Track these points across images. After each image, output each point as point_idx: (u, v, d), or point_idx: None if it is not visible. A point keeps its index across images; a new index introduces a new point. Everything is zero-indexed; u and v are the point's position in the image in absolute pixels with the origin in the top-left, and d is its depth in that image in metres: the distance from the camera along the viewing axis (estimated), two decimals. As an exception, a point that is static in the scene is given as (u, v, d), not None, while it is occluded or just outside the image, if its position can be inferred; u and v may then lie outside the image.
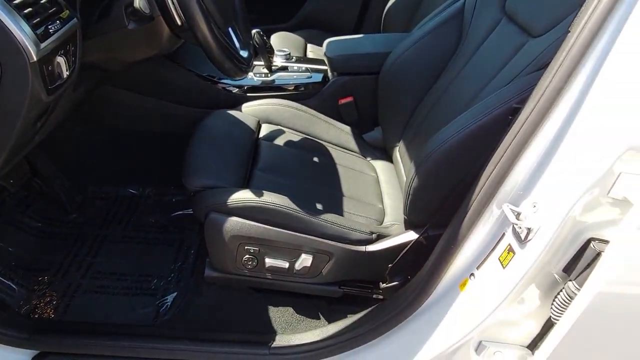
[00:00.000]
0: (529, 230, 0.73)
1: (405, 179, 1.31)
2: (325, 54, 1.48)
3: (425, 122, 1.27)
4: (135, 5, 0.88)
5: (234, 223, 1.03)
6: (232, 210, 1.03)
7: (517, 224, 0.73)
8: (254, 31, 1.46)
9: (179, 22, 0.91)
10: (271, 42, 2.00)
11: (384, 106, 1.41)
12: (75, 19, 0.85)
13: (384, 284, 1.10)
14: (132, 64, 1.07)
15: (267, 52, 1.49)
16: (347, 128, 1.49)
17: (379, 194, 1.31)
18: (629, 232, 0.67)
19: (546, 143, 0.72)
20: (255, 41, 1.46)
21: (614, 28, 0.63)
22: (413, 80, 1.33)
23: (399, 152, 1.38)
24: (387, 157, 1.46)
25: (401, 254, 1.05)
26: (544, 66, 0.82)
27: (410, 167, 1.00)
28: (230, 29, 1.12)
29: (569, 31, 0.68)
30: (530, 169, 0.74)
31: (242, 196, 1.04)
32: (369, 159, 1.46)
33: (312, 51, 2.05)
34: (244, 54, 1.11)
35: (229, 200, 1.03)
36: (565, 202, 0.70)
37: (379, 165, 1.43)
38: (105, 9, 0.96)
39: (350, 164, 1.38)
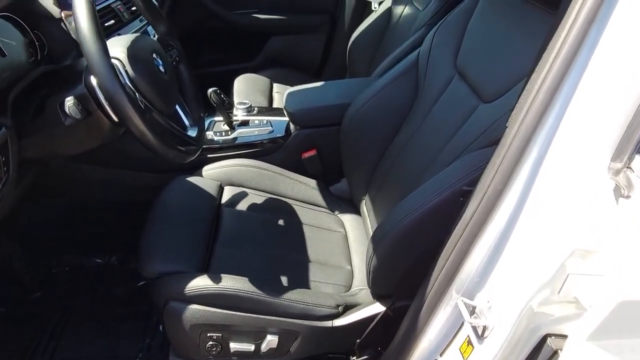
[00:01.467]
0: (484, 327, 0.70)
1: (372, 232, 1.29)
2: (285, 109, 1.45)
3: (388, 177, 1.25)
4: (65, 109, 0.85)
5: (194, 311, 0.99)
6: (191, 299, 0.99)
7: (471, 323, 0.71)
8: (210, 90, 1.43)
9: (115, 118, 0.87)
10: (235, 85, 1.99)
11: (347, 159, 1.39)
12: (3, 128, 0.82)
13: (355, 358, 1.07)
14: (76, 156, 1.04)
15: (226, 109, 1.46)
16: (313, 182, 1.46)
17: (347, 253, 1.28)
18: (585, 331, 0.64)
19: (495, 237, 0.69)
20: (213, 100, 1.43)
21: (557, 110, 0.61)
22: (374, 133, 1.31)
23: (366, 206, 1.36)
24: (355, 209, 1.43)
25: (369, 329, 1.02)
26: (495, 142, 0.80)
27: (369, 245, 0.97)
28: (177, 107, 1.08)
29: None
30: (482, 260, 0.72)
31: (201, 283, 1.00)
32: (336, 212, 1.43)
33: (279, 91, 2.02)
34: (193, 132, 1.08)
35: (187, 289, 0.99)
36: (518, 301, 0.67)
37: (347, 219, 1.40)
38: (39, 106, 0.93)
39: (317, 222, 1.35)
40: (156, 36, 1.10)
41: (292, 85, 2.11)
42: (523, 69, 0.88)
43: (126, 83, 0.87)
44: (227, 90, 2.01)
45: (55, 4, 1.14)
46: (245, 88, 1.95)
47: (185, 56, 1.17)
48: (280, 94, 2.01)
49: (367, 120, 1.31)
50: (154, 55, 0.97)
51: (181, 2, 2.08)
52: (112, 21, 1.26)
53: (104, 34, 0.81)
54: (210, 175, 1.37)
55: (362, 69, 2.03)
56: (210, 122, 1.54)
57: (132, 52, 0.91)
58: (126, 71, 0.89)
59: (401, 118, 1.27)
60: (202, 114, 1.17)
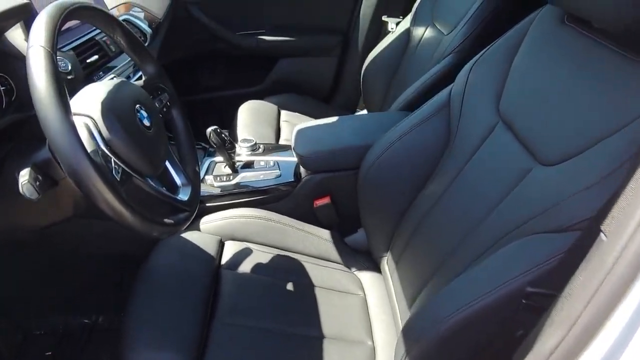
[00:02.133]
0: None
1: (395, 299, 1.11)
2: (294, 151, 1.28)
3: (416, 237, 1.07)
4: (20, 190, 0.68)
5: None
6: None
7: None
8: (209, 130, 1.26)
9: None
10: (239, 115, 1.82)
11: (367, 210, 1.21)
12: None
13: None
14: (46, 227, 0.87)
15: (227, 149, 1.29)
16: (326, 233, 1.28)
17: (367, 323, 1.10)
18: None
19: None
20: (213, 141, 1.26)
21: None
22: (398, 182, 1.13)
23: (388, 264, 1.18)
24: (375, 265, 1.25)
25: None
26: (570, 228, 0.62)
27: (400, 341, 0.79)
28: (167, 162, 0.91)
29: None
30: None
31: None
32: (353, 269, 1.25)
33: (287, 120, 1.85)
34: (185, 194, 0.91)
35: (176, 389, 0.82)
36: None
37: (366, 278, 1.22)
38: (-2, 168, 0.76)
39: (331, 283, 1.17)
40: (143, 78, 0.93)
41: (301, 112, 1.95)
42: (596, 128, 0.70)
43: (99, 147, 0.70)
44: (231, 118, 1.84)
45: (27, 38, 0.98)
46: (250, 118, 1.78)
47: (178, 100, 1.00)
48: (289, 122, 1.84)
49: (390, 168, 1.13)
50: (137, 107, 0.80)
51: (180, 22, 1.92)
52: (96, 56, 1.10)
53: (64, 85, 0.64)
54: (208, 229, 1.19)
55: (377, 95, 1.86)
56: (209, 164, 1.37)
57: (108, 106, 0.74)
58: (99, 132, 0.72)
59: (430, 167, 1.08)
60: (197, 169, 0.99)
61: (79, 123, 0.71)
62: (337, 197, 1.29)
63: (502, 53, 0.97)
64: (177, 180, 0.92)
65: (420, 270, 1.02)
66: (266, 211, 1.25)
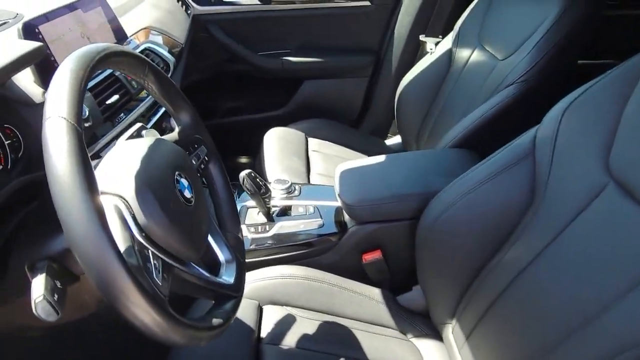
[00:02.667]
0: None
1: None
2: (339, 197, 1.11)
3: (498, 310, 0.90)
4: (34, 311, 0.51)
5: None
6: None
7: None
8: (243, 174, 1.10)
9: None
10: (265, 145, 1.66)
11: (427, 270, 1.04)
12: None
13: None
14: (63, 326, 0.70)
15: (262, 194, 1.13)
16: (377, 292, 1.12)
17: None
18: None
19: None
20: (246, 187, 1.10)
21: None
22: (468, 242, 0.96)
23: (454, 335, 1.01)
24: (433, 330, 1.09)
25: None
26: None
27: None
28: (209, 237, 0.75)
29: None
30: None
31: None
32: (409, 336, 1.08)
33: (317, 150, 1.69)
34: (229, 276, 0.74)
35: None
36: None
37: (425, 346, 1.05)
38: (1, 256, 0.60)
39: (386, 355, 1.00)
40: (176, 128, 0.77)
41: (329, 139, 1.79)
42: None
43: (134, 240, 0.54)
44: (253, 143, 1.69)
45: (38, 81, 0.82)
46: (278, 148, 1.62)
47: (216, 152, 0.84)
48: (318, 152, 1.68)
49: (459, 224, 0.96)
50: (177, 175, 0.63)
51: (199, 42, 1.77)
52: (116, 96, 0.94)
53: (91, 169, 0.48)
54: (245, 292, 1.03)
55: (413, 121, 1.69)
56: (240, 209, 1.21)
57: (143, 179, 0.58)
58: (134, 216, 0.55)
59: (509, 226, 0.92)
60: (240, 236, 0.83)
61: (108, 205, 0.55)
62: (388, 251, 1.12)
63: (610, 95, 0.80)
64: (220, 255, 0.75)
65: (500, 353, 0.86)
66: (308, 269, 1.08)
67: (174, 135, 0.75)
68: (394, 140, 1.92)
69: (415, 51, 1.82)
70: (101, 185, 0.56)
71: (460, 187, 0.96)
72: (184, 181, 0.64)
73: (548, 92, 1.29)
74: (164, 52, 1.16)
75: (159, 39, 1.22)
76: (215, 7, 1.71)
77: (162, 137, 0.72)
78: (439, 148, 1.44)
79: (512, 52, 1.30)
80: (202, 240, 0.67)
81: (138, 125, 0.79)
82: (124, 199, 0.56)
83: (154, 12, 1.31)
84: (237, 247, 0.80)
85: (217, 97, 1.95)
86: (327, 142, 1.76)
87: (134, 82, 1.00)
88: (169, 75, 1.18)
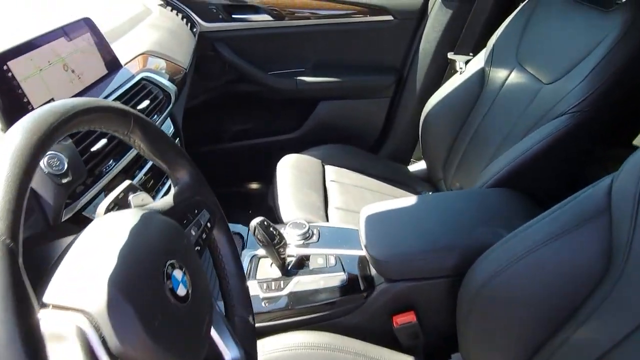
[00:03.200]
0: None
1: None
2: (366, 250, 0.95)
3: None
4: None
5: None
6: None
7: None
8: (254, 223, 0.94)
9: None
10: (278, 175, 1.51)
11: (472, 340, 0.88)
12: None
13: None
14: None
15: (275, 244, 0.97)
16: (410, 361, 0.95)
17: None
18: None
19: None
20: (258, 238, 0.95)
21: None
22: (524, 315, 0.79)
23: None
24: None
25: None
26: None
27: None
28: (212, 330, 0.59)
29: None
30: None
31: None
32: (450, 415, 0.92)
33: (335, 179, 1.53)
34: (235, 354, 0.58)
35: None
36: None
37: None
38: None
39: None
40: (172, 190, 0.62)
41: (347, 166, 1.63)
42: None
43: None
44: (264, 170, 1.54)
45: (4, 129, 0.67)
46: (292, 178, 1.47)
47: (222, 215, 0.68)
48: (337, 183, 1.52)
49: (512, 292, 0.79)
50: (168, 266, 0.48)
51: (205, 61, 1.63)
52: (104, 140, 0.79)
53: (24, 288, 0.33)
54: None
55: (441, 147, 1.53)
56: (250, 259, 1.06)
57: (121, 286, 0.42)
58: (104, 341, 0.40)
59: (576, 301, 0.75)
60: (251, 319, 0.67)
61: (66, 328, 0.39)
62: (423, 313, 0.96)
63: None
64: (226, 353, 0.60)
65: None
66: (331, 335, 0.92)
67: (168, 201, 0.60)
68: (417, 166, 1.76)
69: (442, 70, 1.66)
70: (60, 296, 0.41)
71: (516, 246, 0.80)
72: (177, 273, 0.49)
73: (607, 124, 1.12)
74: (164, 81, 1.02)
75: (159, 65, 1.08)
76: (223, 24, 1.57)
77: (154, 205, 0.57)
78: (476, 183, 1.28)
79: (561, 75, 1.14)
80: (200, 347, 0.51)
81: (124, 185, 0.64)
82: (91, 317, 0.41)
83: (153, 34, 1.17)
84: (246, 337, 0.64)
85: (226, 119, 1.80)
86: (345, 170, 1.61)
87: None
88: (170, 107, 1.04)
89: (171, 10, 1.42)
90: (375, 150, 1.82)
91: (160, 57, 1.09)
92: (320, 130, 1.77)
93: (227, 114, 1.80)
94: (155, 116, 0.96)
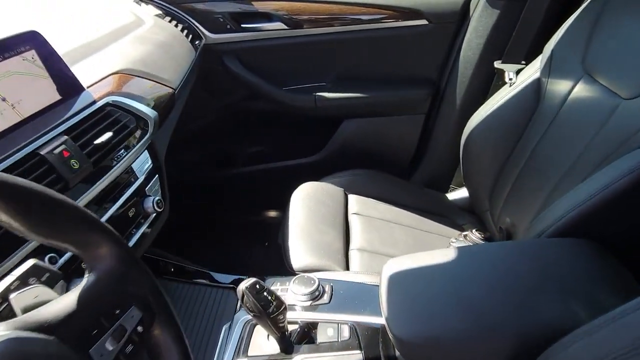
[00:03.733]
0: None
1: None
2: (388, 326, 0.72)
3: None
4: None
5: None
6: None
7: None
8: (242, 288, 0.73)
9: None
10: (291, 207, 1.29)
11: None
12: None
13: None
14: None
15: (271, 314, 0.75)
16: None
17: None
18: None
19: None
20: (247, 308, 0.73)
21: None
22: None
23: None
24: None
25: None
26: None
27: None
28: None
29: None
30: None
31: None
32: None
33: (358, 212, 1.31)
34: None
35: None
36: None
37: None
38: None
39: None
40: (85, 280, 0.41)
41: (374, 195, 1.40)
42: None
43: None
44: (286, 195, 1.33)
45: None
46: (308, 211, 1.25)
47: (165, 306, 0.47)
48: (360, 217, 1.29)
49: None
50: None
51: (211, 77, 1.45)
52: None
53: None
54: None
55: (486, 175, 1.28)
56: (242, 327, 0.84)
57: None
58: None
59: None
60: None
61: None
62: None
63: None
64: None
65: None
66: None
67: (68, 303, 0.39)
68: (457, 194, 1.50)
69: (487, 81, 1.40)
70: None
71: (613, 341, 0.54)
72: None
73: None
74: (140, 106, 0.83)
75: (141, 86, 0.89)
76: (231, 35, 1.39)
77: (43, 313, 0.37)
78: (531, 219, 1.03)
79: (645, 89, 0.87)
80: None
81: (27, 265, 0.44)
82: None
83: (138, 49, 0.99)
84: None
85: (237, 141, 1.61)
86: (371, 200, 1.37)
87: (72, 162, 0.66)
88: (147, 137, 0.85)
89: (170, 21, 1.25)
90: (408, 175, 1.58)
91: (142, 77, 0.90)
92: (343, 153, 1.54)
93: (239, 135, 1.61)
94: (123, 151, 0.77)
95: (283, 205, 1.38)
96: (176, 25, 1.25)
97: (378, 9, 1.36)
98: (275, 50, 1.43)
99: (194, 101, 1.46)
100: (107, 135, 0.74)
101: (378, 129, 1.52)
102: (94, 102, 0.75)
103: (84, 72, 0.81)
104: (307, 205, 1.28)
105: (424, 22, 1.39)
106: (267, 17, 1.39)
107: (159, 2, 1.32)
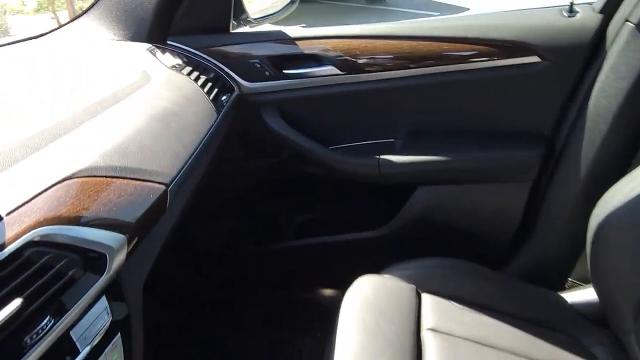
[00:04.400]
0: None
1: None
2: None
3: None
4: None
5: None
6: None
7: None
8: None
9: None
10: (340, 318, 0.95)
11: None
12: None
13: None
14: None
15: None
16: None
17: None
18: None
19: None
20: None
21: None
22: None
23: None
24: None
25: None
26: None
27: None
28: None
29: None
30: None
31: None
32: None
33: (435, 326, 0.93)
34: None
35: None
36: None
37: None
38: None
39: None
40: None
41: (460, 296, 1.01)
42: None
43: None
44: (342, 277, 1.01)
45: None
46: (362, 326, 0.90)
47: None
48: (440, 334, 0.92)
49: None
50: None
51: (253, 133, 1.16)
52: None
53: None
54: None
55: (629, 277, 0.86)
56: None
57: None
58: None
59: None
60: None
61: None
62: None
63: None
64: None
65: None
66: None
67: None
68: (580, 294, 1.07)
69: (632, 143, 0.97)
70: None
71: None
72: None
73: None
74: (92, 234, 0.55)
75: (107, 194, 0.61)
76: (271, 83, 1.08)
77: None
78: None
79: None
80: None
81: None
82: None
83: (121, 129, 0.71)
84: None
85: (284, 209, 1.31)
86: (454, 305, 0.99)
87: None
88: (101, 280, 0.56)
89: (190, 72, 0.97)
90: (505, 266, 1.17)
91: (112, 177, 0.62)
92: (416, 230, 1.17)
93: (285, 202, 1.30)
94: (49, 318, 0.49)
95: (338, 287, 1.05)
96: (198, 78, 0.97)
97: (468, 45, 0.98)
98: (326, 100, 1.10)
99: (227, 163, 1.18)
100: (15, 303, 0.46)
101: (465, 200, 1.13)
102: (2, 246, 0.47)
103: (15, 183, 0.54)
104: (362, 318, 0.93)
105: (534, 59, 0.98)
106: (316, 59, 1.06)
107: (180, 47, 1.06)
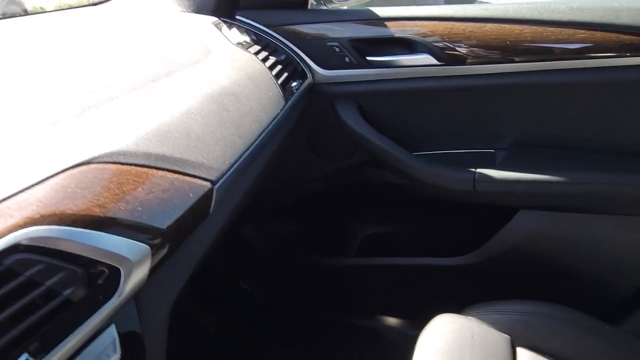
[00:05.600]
0: None
1: None
2: None
3: None
4: None
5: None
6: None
7: None
8: None
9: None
10: (418, 349, 0.76)
11: None
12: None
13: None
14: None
15: None
16: None
17: None
18: None
19: None
20: None
21: None
22: None
23: None
24: None
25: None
26: None
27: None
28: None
29: None
30: None
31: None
32: None
33: None
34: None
35: None
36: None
37: None
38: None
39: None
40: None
41: (563, 357, 0.79)
42: None
43: None
44: (418, 305, 0.84)
45: None
46: None
47: None
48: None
49: None
50: None
51: (324, 130, 1.00)
52: None
53: None
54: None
55: None
56: None
57: None
58: None
59: None
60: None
61: None
62: None
63: None
64: None
65: None
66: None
67: None
68: None
69: None
70: None
71: None
72: None
73: None
74: (112, 242, 0.40)
75: (137, 188, 0.46)
76: (352, 72, 0.91)
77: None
78: None
79: None
80: None
81: None
82: None
83: (165, 108, 0.57)
84: None
85: (350, 220, 1.14)
86: None
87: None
88: (110, 305, 0.41)
89: (258, 52, 0.82)
90: (624, 319, 0.92)
91: (143, 166, 0.48)
92: (512, 263, 0.96)
93: (354, 212, 1.13)
94: (25, 357, 0.35)
95: (403, 315, 0.85)
96: (266, 59, 0.82)
97: (613, 34, 0.76)
98: (415, 96, 0.92)
99: (295, 161, 1.03)
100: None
101: (579, 232, 0.90)
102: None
103: (13, 165, 0.41)
104: (443, 356, 0.74)
105: None
106: (408, 45, 0.88)
107: (249, 23, 0.92)
